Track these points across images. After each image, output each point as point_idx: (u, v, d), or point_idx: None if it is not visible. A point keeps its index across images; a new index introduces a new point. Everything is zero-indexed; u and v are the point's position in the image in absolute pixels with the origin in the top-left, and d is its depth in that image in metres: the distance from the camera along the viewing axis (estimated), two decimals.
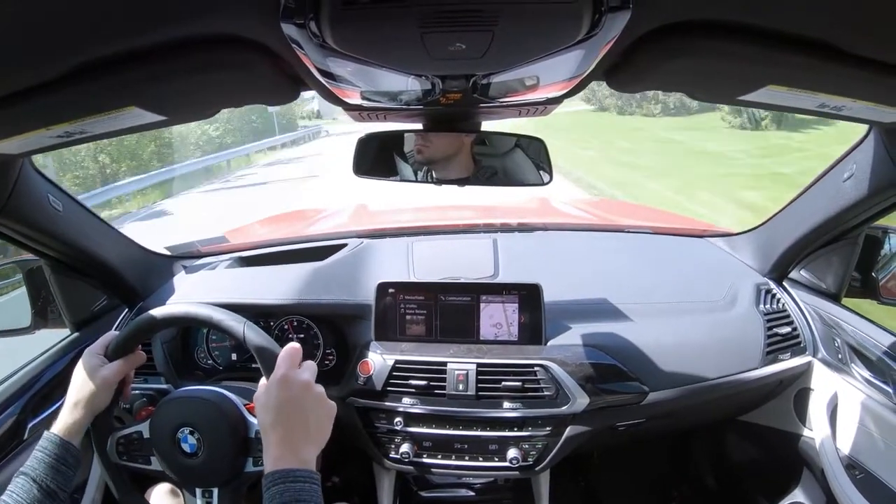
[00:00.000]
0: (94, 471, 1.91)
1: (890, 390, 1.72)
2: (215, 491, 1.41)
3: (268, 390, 1.24)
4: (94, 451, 1.47)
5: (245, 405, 1.44)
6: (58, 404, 1.76)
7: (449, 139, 1.67)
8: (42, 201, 1.65)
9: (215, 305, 1.43)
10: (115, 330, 1.95)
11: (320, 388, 1.28)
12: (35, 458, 1.28)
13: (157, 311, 1.44)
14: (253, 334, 1.36)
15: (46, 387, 1.83)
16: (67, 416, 1.35)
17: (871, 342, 1.83)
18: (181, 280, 2.19)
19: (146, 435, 1.44)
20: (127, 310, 2.13)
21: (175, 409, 1.41)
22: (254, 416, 1.40)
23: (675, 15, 0.87)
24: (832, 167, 1.80)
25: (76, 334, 2.00)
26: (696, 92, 1.23)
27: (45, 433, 1.32)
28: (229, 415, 1.39)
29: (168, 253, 2.37)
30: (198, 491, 1.42)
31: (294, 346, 1.31)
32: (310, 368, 1.30)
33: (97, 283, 2.04)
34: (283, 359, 1.28)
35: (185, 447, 1.38)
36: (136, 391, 1.70)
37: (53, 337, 2.01)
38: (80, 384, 1.38)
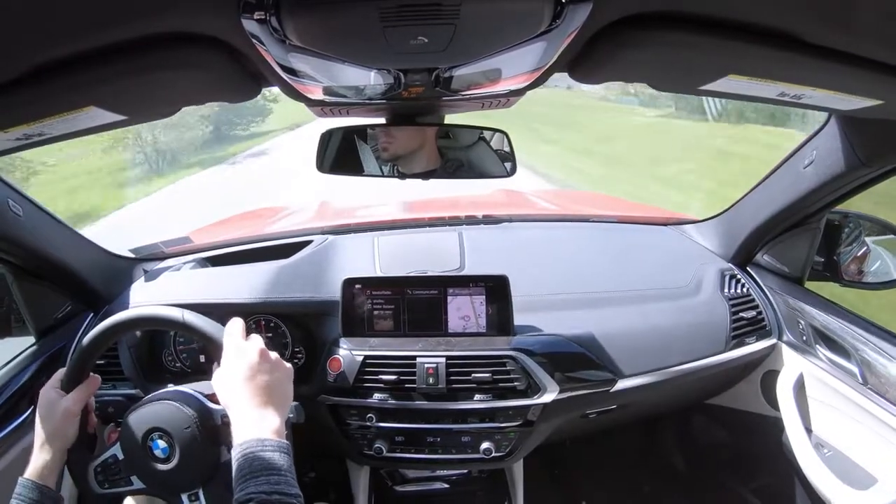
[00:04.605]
0: (66, 484, 1.89)
1: (855, 370, 1.75)
2: (200, 492, 1.41)
3: (224, 364, 1.26)
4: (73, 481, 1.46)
5: (206, 395, 1.44)
6: (26, 414, 1.73)
7: (411, 134, 1.66)
8: (2, 207, 1.62)
9: (182, 307, 1.43)
10: (81, 335, 1.93)
11: (275, 353, 1.30)
12: None
13: (94, 332, 1.45)
14: (193, 318, 1.38)
15: (13, 398, 1.80)
16: (38, 458, 1.34)
17: (834, 324, 1.86)
18: (146, 282, 2.16)
19: (121, 456, 1.43)
20: (92, 315, 2.09)
21: (140, 417, 1.41)
22: (215, 403, 1.41)
23: (636, 6, 0.87)
24: (793, 154, 1.83)
25: (41, 342, 1.96)
26: (658, 82, 1.23)
27: (20, 479, 1.31)
28: (192, 408, 1.39)
29: (132, 255, 2.34)
30: (184, 498, 1.42)
31: (237, 319, 1.34)
32: (257, 338, 1.31)
33: (61, 288, 2.00)
34: (230, 333, 1.31)
35: (158, 452, 1.38)
36: (106, 398, 1.68)
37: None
38: (44, 423, 1.37)
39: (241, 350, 1.26)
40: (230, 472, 1.34)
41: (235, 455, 1.11)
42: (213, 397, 1.41)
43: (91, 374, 1.47)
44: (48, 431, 1.36)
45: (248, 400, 1.19)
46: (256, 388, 1.21)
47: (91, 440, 1.49)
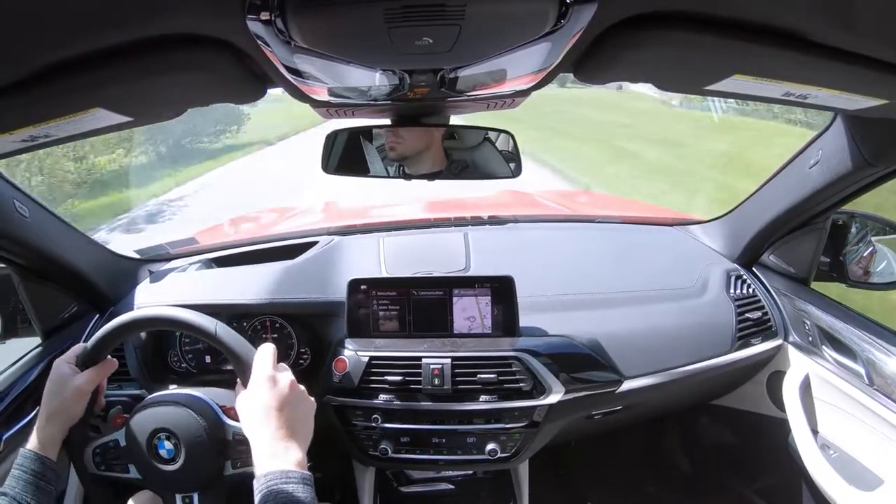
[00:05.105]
0: (72, 481, 1.89)
1: (861, 370, 1.75)
2: (195, 496, 1.40)
3: (253, 391, 1.24)
4: (69, 464, 1.45)
5: (221, 407, 1.43)
6: (31, 415, 1.74)
7: (419, 134, 1.66)
8: (7, 208, 1.62)
9: (189, 308, 1.42)
10: (86, 337, 1.94)
11: (302, 386, 1.29)
12: (13, 477, 1.26)
13: (125, 317, 1.43)
14: (226, 334, 1.36)
15: (19, 398, 1.79)
16: (42, 429, 1.33)
17: (840, 324, 1.85)
18: (152, 283, 2.16)
19: (123, 443, 1.42)
20: (98, 316, 2.09)
21: (150, 415, 1.40)
22: (230, 418, 1.40)
23: (641, 6, 0.87)
24: (798, 154, 1.83)
25: (46, 343, 1.97)
26: (663, 82, 1.23)
27: (21, 450, 1.30)
28: (206, 418, 1.38)
29: (137, 256, 2.34)
30: (178, 497, 1.41)
31: (270, 345, 1.32)
32: (287, 367, 1.31)
33: (67, 289, 2.00)
34: (263, 359, 1.29)
35: (163, 453, 1.37)
36: (111, 398, 1.68)
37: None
38: (53, 396, 1.36)
39: (272, 379, 1.25)
40: (229, 485, 1.38)
41: (259, 486, 1.11)
42: (228, 411, 1.42)
43: (108, 357, 1.46)
44: (55, 406, 1.35)
45: (275, 431, 1.18)
46: (284, 420, 1.20)
47: (95, 420, 1.49)
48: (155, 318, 1.43)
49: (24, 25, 0.75)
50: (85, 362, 1.41)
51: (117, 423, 1.48)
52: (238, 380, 1.34)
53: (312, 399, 1.31)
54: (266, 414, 1.20)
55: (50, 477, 1.30)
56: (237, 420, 1.33)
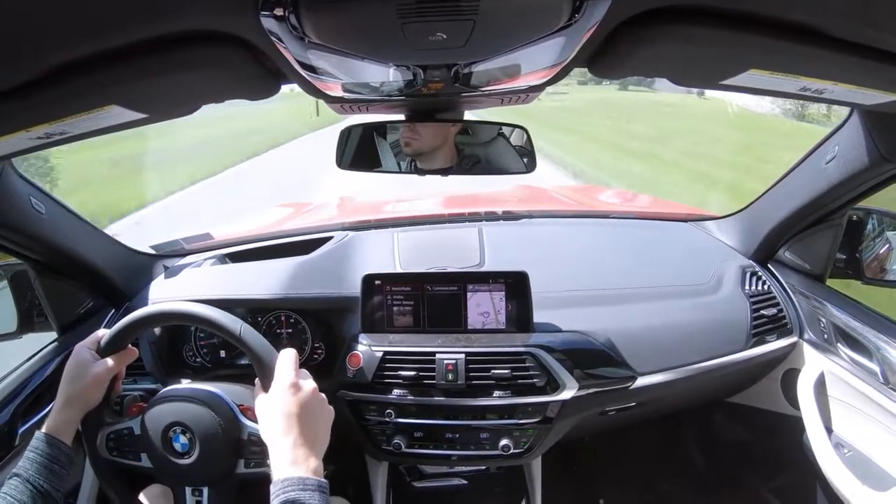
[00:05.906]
0: (87, 474, 1.90)
1: (877, 369, 1.73)
2: (205, 490, 1.41)
3: (275, 397, 1.24)
4: (85, 452, 1.46)
5: (238, 406, 1.43)
6: (47, 409, 1.75)
7: (436, 130, 1.67)
8: (24, 204, 1.63)
9: (203, 302, 1.42)
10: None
11: (322, 394, 1.29)
12: (27, 459, 1.27)
13: (151, 308, 1.43)
14: (250, 336, 1.35)
15: (35, 392, 1.81)
16: (58, 414, 1.34)
17: (855, 322, 1.84)
18: (167, 279, 2.17)
19: (137, 431, 1.43)
20: (113, 311, 2.11)
21: (167, 408, 1.41)
22: (247, 417, 1.41)
23: (655, 1, 0.87)
24: (815, 150, 1.81)
25: (63, 338, 1.98)
26: (679, 77, 1.22)
27: (36, 433, 1.30)
28: (222, 415, 1.39)
29: (153, 252, 2.35)
30: (187, 490, 1.42)
31: (292, 351, 1.32)
32: (309, 374, 1.31)
33: (82, 284, 2.02)
34: (286, 365, 1.28)
35: (177, 446, 1.38)
36: (126, 394, 1.69)
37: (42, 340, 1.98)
38: (71, 381, 1.37)
39: (295, 386, 1.24)
40: (239, 482, 1.40)
41: (276, 491, 1.11)
42: (245, 411, 1.43)
43: (129, 346, 1.47)
44: (73, 391, 1.36)
45: (296, 438, 1.19)
46: (304, 428, 1.21)
47: (111, 407, 1.50)
48: (181, 313, 1.42)
49: (39, 23, 0.75)
50: (106, 349, 1.42)
51: (133, 412, 1.49)
52: (257, 380, 1.34)
53: (332, 407, 1.31)
54: (288, 422, 1.20)
55: (63, 461, 1.30)
56: (254, 421, 1.33)
